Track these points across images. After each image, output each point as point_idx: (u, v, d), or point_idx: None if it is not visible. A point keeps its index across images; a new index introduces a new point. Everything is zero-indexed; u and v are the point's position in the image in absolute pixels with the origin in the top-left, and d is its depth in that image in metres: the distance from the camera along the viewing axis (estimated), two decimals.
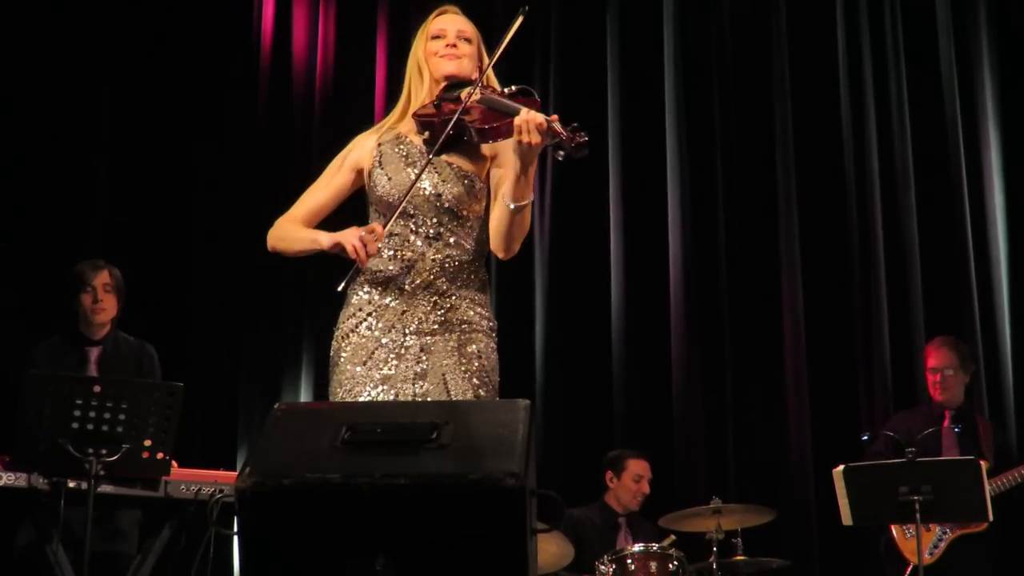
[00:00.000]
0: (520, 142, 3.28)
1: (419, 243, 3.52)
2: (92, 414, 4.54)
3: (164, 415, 4.66)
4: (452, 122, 3.44)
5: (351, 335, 3.52)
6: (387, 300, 3.51)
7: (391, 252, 3.53)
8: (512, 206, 3.39)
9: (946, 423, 6.27)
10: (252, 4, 8.10)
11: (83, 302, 5.39)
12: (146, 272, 5.71)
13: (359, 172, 3.70)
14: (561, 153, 3.26)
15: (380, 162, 3.61)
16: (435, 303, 3.50)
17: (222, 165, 7.82)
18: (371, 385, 3.46)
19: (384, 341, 3.48)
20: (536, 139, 3.25)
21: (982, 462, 5.91)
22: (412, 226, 3.53)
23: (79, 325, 5.43)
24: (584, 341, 7.71)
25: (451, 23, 3.69)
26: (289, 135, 7.96)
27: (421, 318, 3.48)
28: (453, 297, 3.51)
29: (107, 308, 5.43)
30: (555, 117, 3.28)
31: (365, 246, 3.36)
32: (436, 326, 3.48)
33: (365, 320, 3.52)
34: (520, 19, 3.58)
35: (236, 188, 7.78)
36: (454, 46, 3.64)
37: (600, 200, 7.78)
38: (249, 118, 7.92)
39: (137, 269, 5.65)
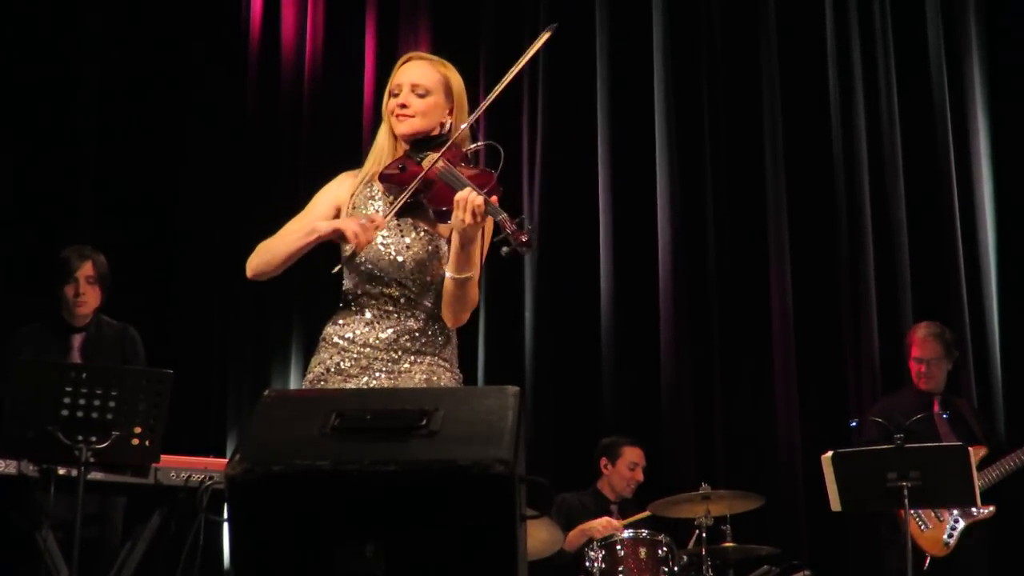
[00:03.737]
0: (457, 217, 3.29)
1: (385, 304, 3.52)
2: (81, 401, 4.53)
3: (154, 402, 4.66)
4: (409, 192, 3.43)
5: (321, 377, 3.53)
6: (353, 352, 3.51)
7: (360, 310, 3.54)
8: (452, 276, 3.41)
9: (936, 408, 6.30)
10: None
11: (66, 293, 5.42)
12: (134, 257, 5.70)
13: (338, 209, 3.66)
14: (505, 249, 3.23)
15: (352, 214, 3.59)
16: (401, 356, 3.48)
17: (210, 152, 7.80)
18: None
19: (351, 384, 3.48)
20: (469, 220, 3.25)
21: (981, 448, 5.97)
22: (379, 287, 3.53)
23: (62, 312, 5.47)
24: (573, 328, 7.71)
25: (407, 76, 3.63)
26: (278, 123, 7.94)
27: (389, 367, 3.48)
28: (417, 355, 3.49)
29: (89, 300, 5.47)
30: (495, 199, 3.30)
31: (365, 232, 3.38)
32: (402, 374, 3.47)
33: (332, 369, 3.51)
34: (546, 35, 3.58)
35: (225, 174, 7.77)
36: (404, 105, 3.58)
37: (589, 188, 7.78)
38: (238, 105, 7.90)
39: (125, 254, 5.65)
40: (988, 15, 7.68)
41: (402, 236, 3.52)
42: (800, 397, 7.34)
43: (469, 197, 3.27)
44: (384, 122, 3.67)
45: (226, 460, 4.70)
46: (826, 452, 5.48)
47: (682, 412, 7.44)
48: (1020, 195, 7.41)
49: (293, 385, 7.52)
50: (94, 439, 4.53)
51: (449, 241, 3.51)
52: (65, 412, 4.52)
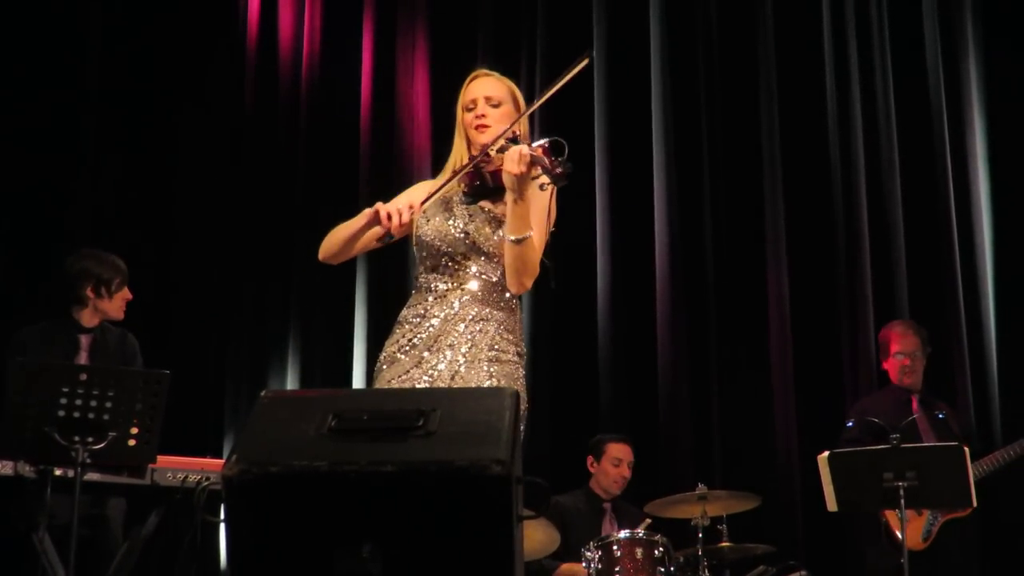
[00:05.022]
0: (508, 173, 3.55)
1: (451, 277, 3.81)
2: (79, 402, 4.53)
3: (150, 403, 4.66)
4: (470, 167, 3.76)
5: (394, 356, 3.80)
6: (424, 328, 3.78)
7: (428, 287, 3.83)
8: (509, 239, 3.66)
9: (915, 407, 6.30)
10: None
11: (115, 299, 5.42)
12: (131, 260, 5.69)
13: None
14: (546, 180, 3.54)
15: (425, 212, 3.87)
16: (466, 328, 3.74)
17: (208, 154, 7.80)
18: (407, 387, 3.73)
19: (419, 362, 3.74)
20: (515, 169, 3.53)
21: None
22: (443, 261, 3.81)
23: (74, 312, 5.44)
24: (570, 328, 7.71)
25: (480, 90, 3.94)
26: (275, 124, 7.94)
27: (453, 343, 3.73)
28: (482, 322, 3.76)
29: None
30: (539, 150, 3.55)
31: (400, 214, 3.66)
32: (465, 352, 3.72)
33: (405, 346, 3.79)
34: (584, 62, 3.91)
35: (223, 175, 7.77)
36: (483, 115, 3.88)
37: (587, 186, 7.78)
38: (236, 105, 7.90)
39: (122, 255, 5.64)
40: (984, 15, 7.68)
41: (470, 217, 3.82)
42: (797, 397, 7.34)
43: (515, 148, 3.57)
44: (458, 136, 3.96)
45: (223, 461, 4.70)
46: (822, 452, 5.49)
47: (679, 412, 7.44)
48: (1016, 194, 7.42)
49: (290, 386, 7.52)
50: (91, 440, 4.53)
51: None
52: (62, 413, 4.52)
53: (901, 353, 6.40)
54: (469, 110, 3.91)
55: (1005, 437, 6.71)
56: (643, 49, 7.90)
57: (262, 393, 2.78)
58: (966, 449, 5.37)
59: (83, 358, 5.41)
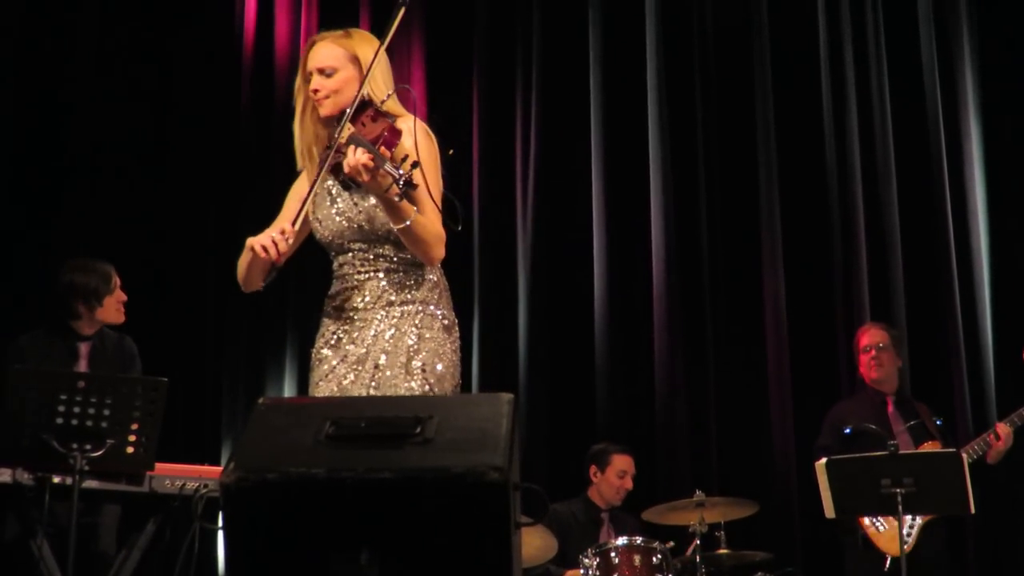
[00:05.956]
0: (359, 180, 3.38)
1: (360, 267, 3.66)
2: (76, 409, 4.54)
3: (148, 410, 4.66)
4: (318, 176, 3.54)
5: (321, 354, 3.69)
6: (343, 322, 3.67)
7: (343, 276, 3.69)
8: (396, 229, 3.50)
9: (890, 409, 6.28)
10: None
11: (107, 305, 5.39)
12: (126, 263, 5.69)
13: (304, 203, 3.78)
14: (395, 190, 3.30)
15: (314, 205, 3.72)
16: (387, 313, 3.62)
17: (204, 156, 7.78)
18: (333, 384, 3.63)
19: (341, 358, 3.63)
20: (361, 179, 3.35)
21: (935, 444, 5.97)
22: (350, 255, 3.67)
23: (71, 320, 5.42)
24: (567, 335, 7.71)
25: (312, 61, 3.72)
26: (271, 128, 7.93)
27: (376, 332, 3.61)
28: (403, 306, 3.62)
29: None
30: (382, 149, 3.33)
31: (275, 245, 3.51)
32: (389, 338, 3.60)
33: (331, 340, 3.68)
34: (401, 12, 3.71)
35: (219, 178, 7.76)
36: (316, 89, 3.67)
37: (583, 194, 7.79)
38: (232, 108, 7.89)
39: (117, 260, 5.64)
40: (980, 19, 7.70)
41: (355, 205, 3.65)
42: (794, 404, 7.34)
43: (353, 160, 3.35)
44: (297, 110, 3.75)
45: (220, 468, 4.71)
46: (820, 459, 5.50)
47: (676, 419, 7.44)
48: (1012, 199, 7.44)
49: (287, 392, 7.51)
50: (89, 447, 4.53)
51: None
52: (60, 420, 4.52)
53: (866, 347, 6.35)
54: (308, 83, 3.69)
55: None
56: (639, 54, 7.91)
57: (259, 400, 2.78)
58: (964, 456, 5.38)
59: (82, 366, 5.41)
